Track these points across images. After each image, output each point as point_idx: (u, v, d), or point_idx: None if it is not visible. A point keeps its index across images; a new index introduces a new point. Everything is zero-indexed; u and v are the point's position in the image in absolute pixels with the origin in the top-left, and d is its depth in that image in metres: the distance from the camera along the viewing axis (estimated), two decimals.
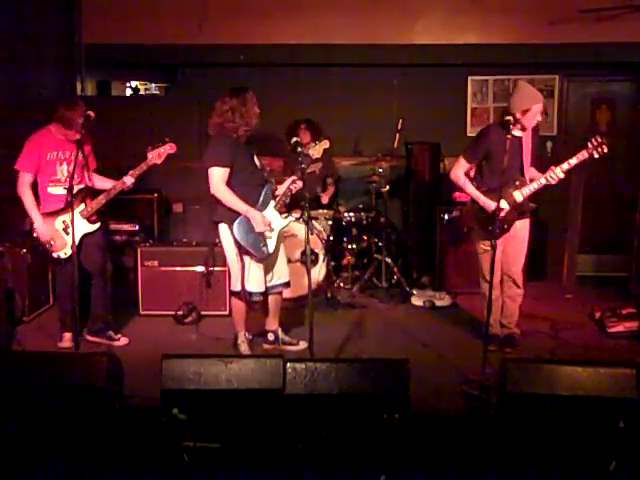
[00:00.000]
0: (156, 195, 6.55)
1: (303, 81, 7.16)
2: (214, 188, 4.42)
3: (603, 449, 3.08)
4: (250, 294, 4.59)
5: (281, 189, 4.63)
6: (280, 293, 4.77)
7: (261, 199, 4.53)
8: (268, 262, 4.61)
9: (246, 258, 4.51)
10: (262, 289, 4.61)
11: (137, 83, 9.17)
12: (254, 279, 4.56)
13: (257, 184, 4.53)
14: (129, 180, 4.71)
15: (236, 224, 4.45)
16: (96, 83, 8.13)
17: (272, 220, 4.53)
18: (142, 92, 9.24)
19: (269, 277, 4.66)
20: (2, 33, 5.88)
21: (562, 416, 3.17)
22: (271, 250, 4.55)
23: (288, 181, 4.64)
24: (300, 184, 4.55)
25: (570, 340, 5.00)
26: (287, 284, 4.77)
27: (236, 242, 4.47)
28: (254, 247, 4.48)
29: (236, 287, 4.60)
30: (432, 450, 3.32)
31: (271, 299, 4.75)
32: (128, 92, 9.14)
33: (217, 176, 4.39)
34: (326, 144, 4.68)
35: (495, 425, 3.36)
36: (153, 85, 9.30)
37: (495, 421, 3.39)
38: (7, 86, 5.94)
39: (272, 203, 4.58)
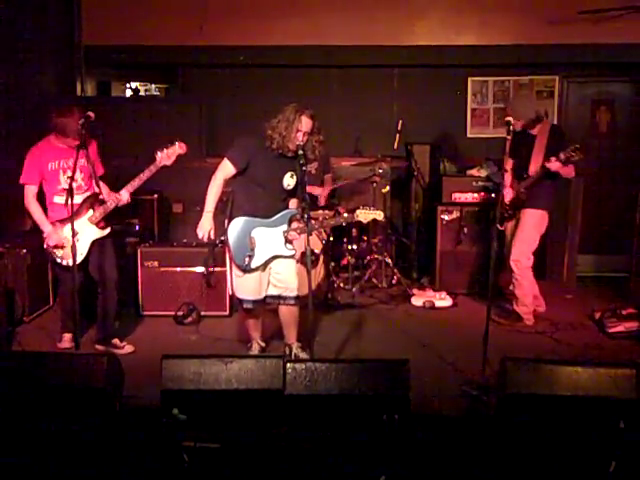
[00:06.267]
0: (156, 195, 6.55)
1: (303, 82, 7.16)
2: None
3: (603, 449, 3.08)
4: (240, 301, 4.51)
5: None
6: (293, 305, 4.49)
7: (275, 217, 4.38)
8: (278, 270, 4.43)
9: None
10: (254, 297, 4.43)
11: (137, 84, 9.17)
12: (244, 286, 4.42)
13: (273, 199, 4.38)
14: (125, 196, 4.66)
15: (234, 221, 4.38)
16: (96, 83, 8.13)
17: (268, 244, 4.36)
18: (142, 93, 9.25)
19: (276, 287, 4.46)
20: (2, 33, 5.87)
21: (562, 416, 3.17)
22: (253, 266, 4.34)
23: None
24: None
25: (570, 340, 5.01)
26: (297, 298, 4.47)
27: (225, 239, 4.41)
28: (236, 252, 4.36)
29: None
30: (432, 450, 3.32)
31: (282, 310, 4.55)
32: (128, 93, 9.14)
33: (222, 166, 4.36)
34: None
35: (495, 425, 3.36)
36: (153, 86, 9.31)
37: (495, 421, 3.39)
38: (7, 86, 5.93)
39: (284, 227, 4.38)
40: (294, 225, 4.42)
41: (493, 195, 6.06)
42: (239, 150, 4.35)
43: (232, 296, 4.63)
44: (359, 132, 7.19)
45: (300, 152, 4.13)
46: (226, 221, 4.48)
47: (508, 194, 5.30)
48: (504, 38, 6.89)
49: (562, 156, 4.91)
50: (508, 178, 5.30)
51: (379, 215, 4.47)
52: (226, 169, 4.34)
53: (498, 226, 5.16)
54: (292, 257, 4.46)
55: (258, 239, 4.36)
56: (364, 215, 4.45)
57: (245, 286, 4.43)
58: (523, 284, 5.31)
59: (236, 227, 4.38)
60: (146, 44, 7.01)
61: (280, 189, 4.37)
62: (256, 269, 4.39)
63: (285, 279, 4.44)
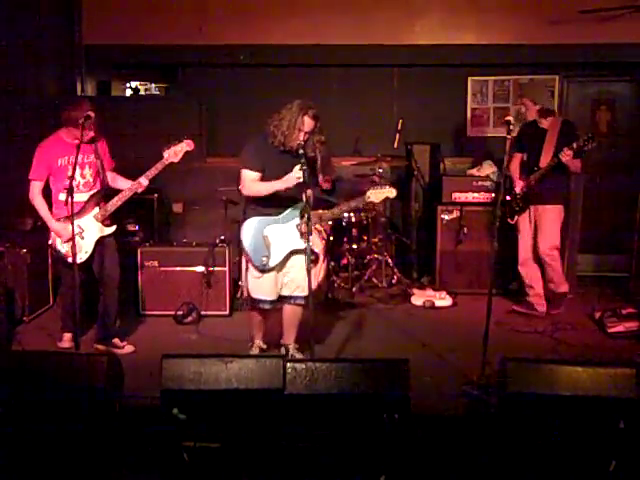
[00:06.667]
0: (156, 195, 6.55)
1: (303, 81, 7.16)
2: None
3: (603, 449, 3.08)
4: (257, 301, 4.42)
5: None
6: (299, 305, 4.48)
7: (285, 213, 4.34)
8: (288, 270, 4.40)
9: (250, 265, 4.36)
10: (271, 297, 4.38)
11: (137, 83, 9.17)
12: (261, 286, 4.36)
13: (287, 193, 4.26)
14: (144, 182, 4.62)
15: (246, 223, 4.33)
16: (96, 83, 8.13)
17: (283, 240, 4.31)
18: (142, 92, 9.25)
19: (287, 286, 4.43)
20: (2, 33, 5.87)
21: (562, 416, 3.17)
22: (272, 265, 4.31)
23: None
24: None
25: (570, 340, 5.01)
26: (306, 298, 4.33)
27: (240, 242, 4.37)
28: (253, 253, 4.31)
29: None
30: (432, 450, 3.32)
31: (287, 310, 4.54)
32: (128, 92, 9.14)
33: (244, 177, 4.32)
34: None
35: (495, 425, 3.36)
36: (153, 85, 9.31)
37: (495, 421, 3.39)
38: (7, 86, 5.93)
39: (296, 221, 4.34)
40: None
41: (493, 195, 6.10)
42: (251, 155, 4.32)
43: (247, 297, 4.49)
44: (359, 132, 7.18)
45: (301, 151, 4.10)
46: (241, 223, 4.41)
47: (518, 186, 5.51)
48: (504, 37, 6.89)
49: (575, 145, 5.07)
50: (516, 171, 5.58)
51: (391, 193, 4.33)
52: (251, 177, 4.29)
53: (508, 220, 5.56)
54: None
55: (272, 237, 4.32)
56: (375, 195, 4.33)
57: (263, 287, 4.37)
58: (558, 268, 5.51)
59: (250, 228, 4.34)
60: (146, 44, 7.02)
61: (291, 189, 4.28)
62: (274, 268, 4.34)
63: (297, 278, 4.38)
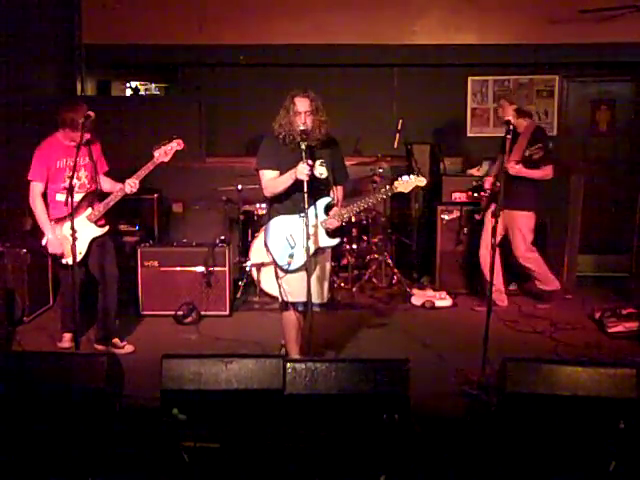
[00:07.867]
0: (156, 195, 6.55)
1: (303, 81, 7.12)
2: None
3: (603, 449, 3.08)
4: (293, 304, 4.20)
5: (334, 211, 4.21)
6: (317, 312, 4.22)
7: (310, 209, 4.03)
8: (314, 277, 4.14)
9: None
10: (304, 299, 4.05)
11: (137, 83, 9.18)
12: (296, 288, 4.12)
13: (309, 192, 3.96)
14: (135, 182, 4.61)
15: (269, 224, 4.21)
16: (96, 83, 8.14)
17: (311, 235, 4.01)
18: (142, 92, 9.25)
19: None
20: (2, 33, 5.87)
21: (562, 416, 3.17)
22: (298, 265, 4.08)
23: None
24: None
25: (570, 340, 5.00)
26: (319, 305, 4.29)
27: (265, 243, 4.24)
28: (278, 255, 4.15)
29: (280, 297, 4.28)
30: (432, 450, 3.32)
31: (297, 314, 4.30)
32: (128, 92, 9.15)
33: (262, 178, 4.20)
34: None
35: (495, 425, 3.36)
36: (153, 85, 9.31)
37: (495, 421, 3.39)
38: (7, 86, 5.93)
39: (320, 217, 4.14)
40: (332, 212, 4.19)
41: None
42: (265, 155, 4.22)
43: (282, 303, 4.28)
44: (359, 132, 7.18)
45: (303, 146, 3.94)
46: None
47: (487, 182, 5.68)
48: (504, 37, 6.89)
49: (527, 153, 5.17)
50: (495, 171, 5.75)
51: (421, 182, 4.07)
52: (269, 176, 4.16)
53: (476, 216, 5.73)
54: (337, 245, 4.29)
55: (297, 236, 4.13)
56: (404, 185, 4.07)
57: (297, 288, 4.12)
58: (538, 268, 5.65)
59: (274, 229, 4.20)
60: (146, 43, 7.02)
61: (314, 180, 4.07)
62: (300, 268, 4.08)
63: (314, 285, 4.15)
